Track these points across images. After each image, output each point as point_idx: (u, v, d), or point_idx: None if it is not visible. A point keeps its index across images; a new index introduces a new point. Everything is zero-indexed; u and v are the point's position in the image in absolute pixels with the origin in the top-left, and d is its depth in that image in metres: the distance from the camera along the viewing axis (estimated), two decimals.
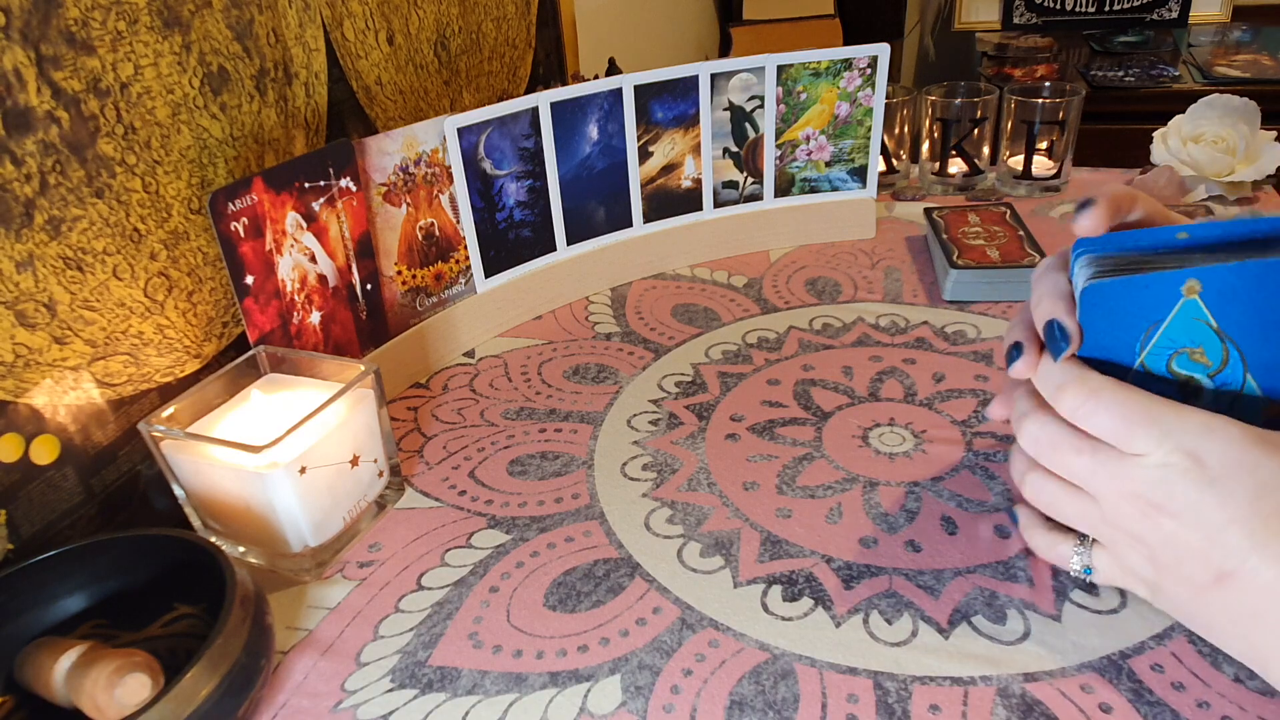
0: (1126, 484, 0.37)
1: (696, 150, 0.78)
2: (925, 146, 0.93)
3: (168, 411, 0.49)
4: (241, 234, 0.53)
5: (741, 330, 0.72)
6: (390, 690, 0.43)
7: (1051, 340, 0.40)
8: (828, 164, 0.82)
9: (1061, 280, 0.41)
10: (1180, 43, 1.84)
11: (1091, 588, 0.45)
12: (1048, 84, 0.89)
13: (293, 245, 0.57)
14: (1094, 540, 0.42)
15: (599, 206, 0.77)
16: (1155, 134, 0.90)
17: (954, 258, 0.73)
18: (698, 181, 0.80)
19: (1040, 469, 0.41)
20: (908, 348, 0.67)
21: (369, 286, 0.64)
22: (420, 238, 0.67)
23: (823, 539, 0.50)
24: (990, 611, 0.44)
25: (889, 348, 0.67)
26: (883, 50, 0.77)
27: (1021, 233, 0.77)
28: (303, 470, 0.47)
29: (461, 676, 0.44)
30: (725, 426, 0.60)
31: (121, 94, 0.51)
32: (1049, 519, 0.44)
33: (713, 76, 0.76)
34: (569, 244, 0.76)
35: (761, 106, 0.78)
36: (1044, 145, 0.90)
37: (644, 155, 0.77)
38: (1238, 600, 0.35)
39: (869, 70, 0.78)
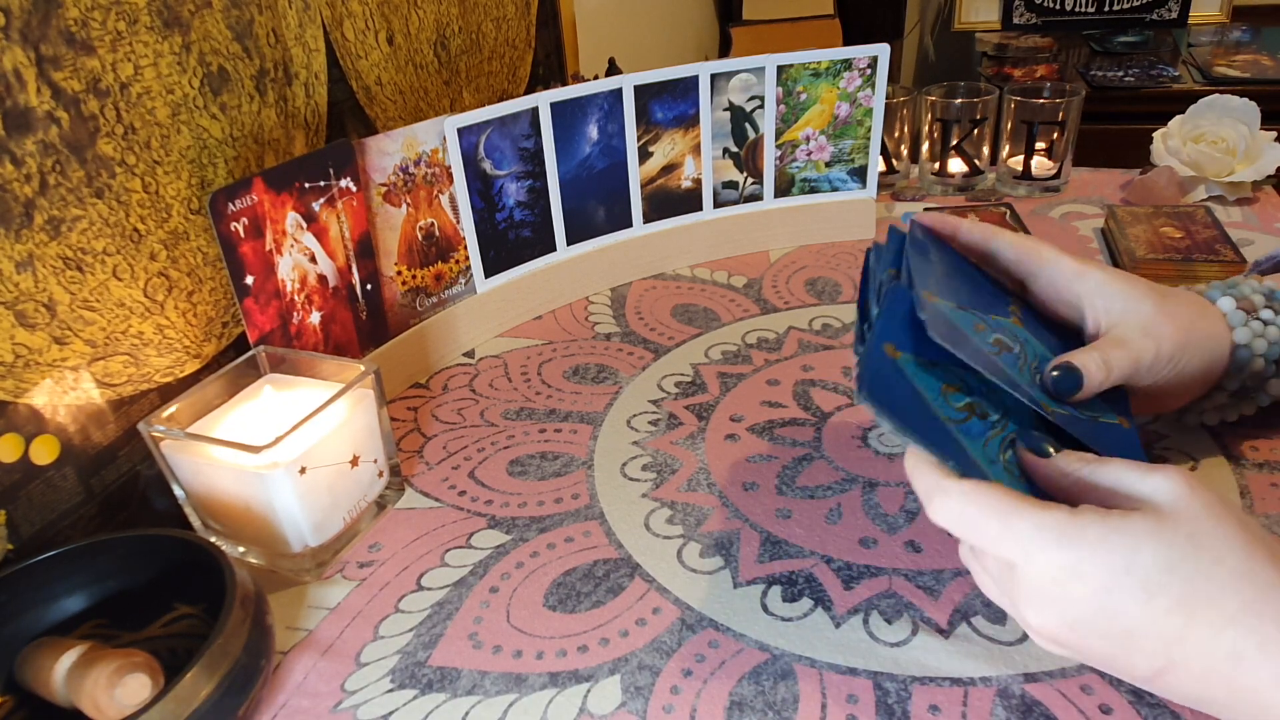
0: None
1: (696, 150, 0.78)
2: (925, 147, 0.93)
3: (168, 411, 0.49)
4: (241, 234, 0.53)
5: (741, 330, 0.72)
6: (390, 690, 0.43)
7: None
8: (828, 164, 0.82)
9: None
10: (1180, 43, 1.84)
11: None
12: (1048, 84, 0.89)
13: (293, 245, 0.57)
14: None
15: (599, 206, 0.77)
16: (1155, 134, 0.90)
17: None
18: (697, 182, 0.80)
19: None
20: None
21: (369, 287, 0.64)
22: (420, 238, 0.67)
23: (822, 539, 0.50)
24: (990, 612, 0.44)
25: None
26: (882, 50, 0.77)
27: (1021, 233, 0.77)
28: (303, 470, 0.47)
29: (461, 677, 0.44)
30: (725, 427, 0.60)
31: (121, 94, 0.51)
32: None
33: (713, 77, 0.76)
34: (569, 244, 0.76)
35: (761, 107, 0.78)
36: (1044, 145, 0.90)
37: (644, 155, 0.77)
38: None
39: (869, 70, 0.78)
